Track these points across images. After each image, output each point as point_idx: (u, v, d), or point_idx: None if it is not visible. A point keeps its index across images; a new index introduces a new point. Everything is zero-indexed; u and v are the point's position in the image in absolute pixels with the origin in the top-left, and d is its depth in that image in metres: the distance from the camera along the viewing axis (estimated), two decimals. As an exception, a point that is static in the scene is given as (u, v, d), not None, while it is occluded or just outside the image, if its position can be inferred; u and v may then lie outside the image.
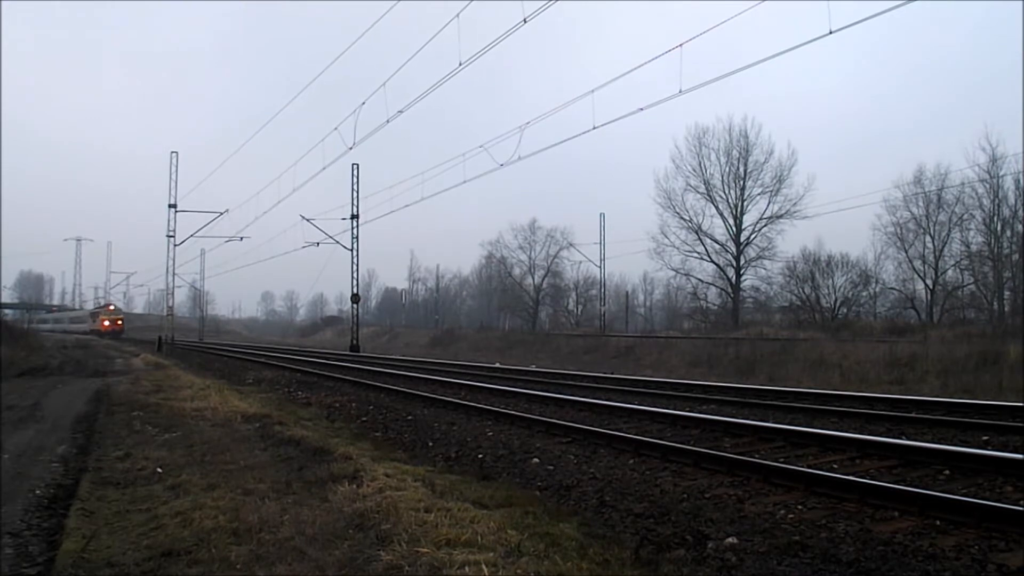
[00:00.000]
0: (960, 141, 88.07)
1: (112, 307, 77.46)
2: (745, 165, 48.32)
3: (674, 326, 58.27)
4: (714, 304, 52.36)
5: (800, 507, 5.78)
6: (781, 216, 47.22)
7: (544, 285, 68.59)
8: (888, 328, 35.55)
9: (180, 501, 5.57)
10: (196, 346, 48.77)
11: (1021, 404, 11.15)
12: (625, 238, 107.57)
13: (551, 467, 7.66)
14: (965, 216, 42.48)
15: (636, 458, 7.88)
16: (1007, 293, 41.62)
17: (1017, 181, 39.92)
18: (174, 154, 46.37)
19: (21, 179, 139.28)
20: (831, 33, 11.63)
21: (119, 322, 73.46)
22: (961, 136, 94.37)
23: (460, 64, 16.03)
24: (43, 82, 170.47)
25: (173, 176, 45.63)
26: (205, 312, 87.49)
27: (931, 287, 44.13)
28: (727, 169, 48.68)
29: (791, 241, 55.64)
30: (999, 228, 41.29)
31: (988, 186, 41.06)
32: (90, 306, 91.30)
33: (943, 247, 43.59)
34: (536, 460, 8.01)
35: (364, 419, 11.74)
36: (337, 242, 43.04)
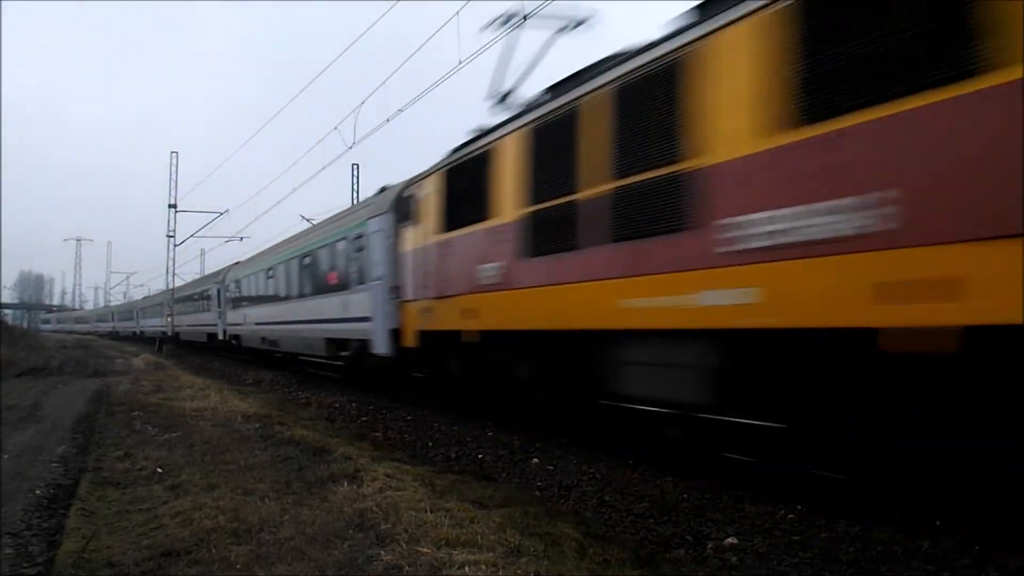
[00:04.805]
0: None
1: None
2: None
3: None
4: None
5: (800, 507, 5.77)
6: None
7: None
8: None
9: (180, 501, 5.57)
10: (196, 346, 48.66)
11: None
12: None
13: (551, 467, 7.65)
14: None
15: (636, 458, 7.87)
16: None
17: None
18: (174, 154, 46.23)
19: (21, 179, 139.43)
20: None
21: None
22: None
23: (460, 63, 16.02)
24: (45, 84, 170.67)
25: (173, 176, 45.54)
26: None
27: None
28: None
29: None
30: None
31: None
32: (88, 306, 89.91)
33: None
34: (536, 460, 8.01)
35: (364, 419, 11.74)
36: (339, 241, 42.55)
